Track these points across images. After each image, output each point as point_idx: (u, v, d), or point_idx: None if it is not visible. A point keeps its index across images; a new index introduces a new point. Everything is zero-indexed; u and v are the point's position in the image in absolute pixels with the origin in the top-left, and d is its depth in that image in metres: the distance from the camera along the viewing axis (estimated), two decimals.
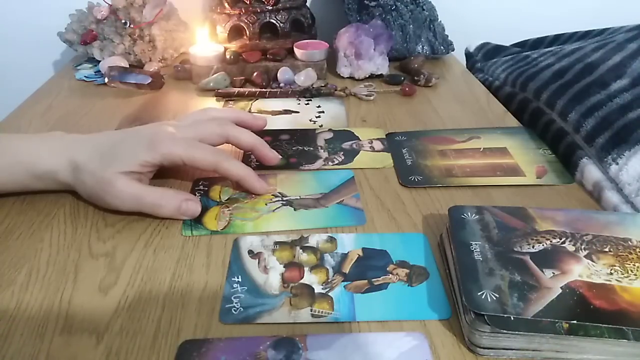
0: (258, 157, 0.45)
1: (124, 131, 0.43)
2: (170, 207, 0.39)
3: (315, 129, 0.55)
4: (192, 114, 0.45)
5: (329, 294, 0.33)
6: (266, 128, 0.55)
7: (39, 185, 0.41)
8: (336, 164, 0.48)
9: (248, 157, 0.49)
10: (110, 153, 0.39)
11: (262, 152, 0.45)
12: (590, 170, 0.45)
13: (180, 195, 0.40)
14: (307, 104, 0.62)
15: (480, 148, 0.50)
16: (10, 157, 0.40)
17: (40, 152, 0.40)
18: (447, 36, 0.77)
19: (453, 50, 0.77)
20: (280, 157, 0.46)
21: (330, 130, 0.54)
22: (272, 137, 0.53)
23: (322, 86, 0.64)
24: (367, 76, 0.68)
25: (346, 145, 0.51)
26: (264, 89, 0.64)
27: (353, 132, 0.54)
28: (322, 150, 0.50)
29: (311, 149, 0.51)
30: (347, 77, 0.69)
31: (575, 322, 0.27)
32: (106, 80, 0.65)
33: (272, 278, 0.34)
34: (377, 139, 0.53)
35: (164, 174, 0.45)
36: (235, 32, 0.69)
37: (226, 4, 0.68)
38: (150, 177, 0.41)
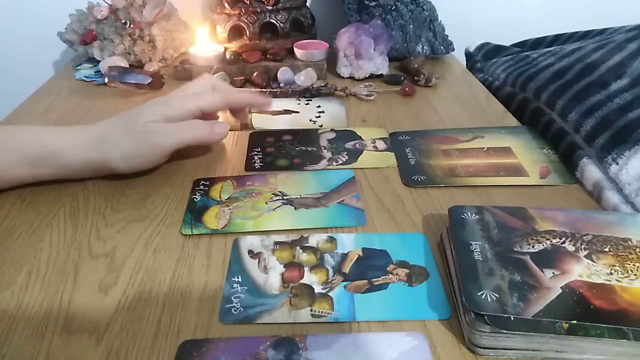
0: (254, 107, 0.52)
1: (131, 109, 0.44)
2: (206, 133, 0.45)
3: (317, 129, 0.55)
4: (183, 88, 0.48)
5: (329, 294, 0.33)
6: (268, 128, 0.55)
7: (50, 167, 0.41)
8: (340, 164, 0.48)
9: (251, 159, 0.49)
10: (133, 116, 0.43)
11: (257, 103, 0.51)
12: (590, 170, 0.44)
13: (209, 123, 0.45)
14: (307, 104, 0.62)
15: (484, 148, 0.50)
16: (23, 139, 0.41)
17: (55, 133, 0.42)
18: (447, 36, 0.77)
19: (453, 50, 0.77)
20: (268, 99, 0.52)
21: (332, 130, 0.54)
22: (275, 137, 0.53)
23: (322, 86, 0.64)
24: (367, 76, 0.68)
25: (349, 145, 0.51)
26: (264, 89, 0.64)
27: (355, 132, 0.54)
28: (326, 151, 0.50)
29: (314, 149, 0.51)
30: (347, 77, 0.69)
31: (575, 322, 0.27)
32: (106, 80, 0.65)
33: (272, 278, 0.34)
34: (380, 138, 0.53)
35: (164, 173, 0.45)
36: (235, 32, 0.69)
37: (226, 4, 0.68)
38: None
